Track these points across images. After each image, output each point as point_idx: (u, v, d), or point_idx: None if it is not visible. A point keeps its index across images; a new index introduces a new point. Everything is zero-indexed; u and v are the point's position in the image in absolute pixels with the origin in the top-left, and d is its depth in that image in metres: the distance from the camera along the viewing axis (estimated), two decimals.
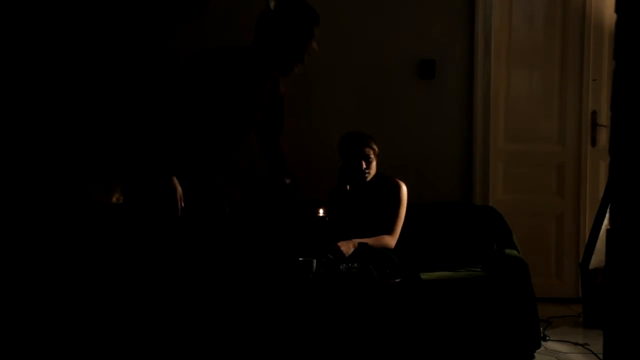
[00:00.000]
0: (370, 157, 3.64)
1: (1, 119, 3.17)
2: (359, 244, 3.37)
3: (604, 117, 4.57)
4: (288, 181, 3.29)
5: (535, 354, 3.56)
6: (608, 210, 3.97)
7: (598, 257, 4.10)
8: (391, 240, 3.60)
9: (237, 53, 2.98)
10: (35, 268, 3.11)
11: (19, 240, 3.12)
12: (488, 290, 3.51)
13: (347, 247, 3.43)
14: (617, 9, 2.41)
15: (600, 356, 3.36)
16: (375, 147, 3.65)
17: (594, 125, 4.61)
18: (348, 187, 3.68)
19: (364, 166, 3.62)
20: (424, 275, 3.48)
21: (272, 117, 3.22)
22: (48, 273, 3.12)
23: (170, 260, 3.32)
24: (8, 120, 3.17)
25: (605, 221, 4.06)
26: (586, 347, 3.76)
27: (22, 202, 3.15)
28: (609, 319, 2.64)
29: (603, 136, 4.59)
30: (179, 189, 2.90)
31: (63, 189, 3.20)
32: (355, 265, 3.17)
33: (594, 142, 4.62)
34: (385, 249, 3.53)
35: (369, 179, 3.66)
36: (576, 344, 3.82)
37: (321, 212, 3.36)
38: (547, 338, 3.87)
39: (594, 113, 4.60)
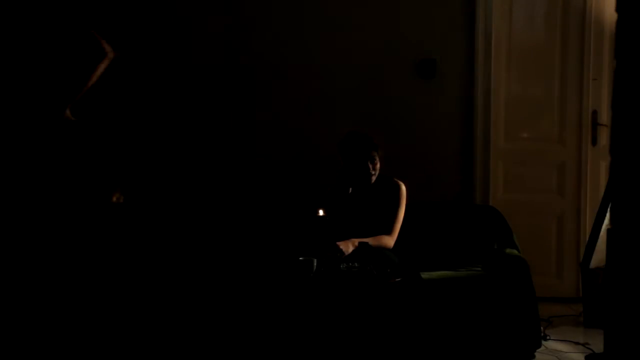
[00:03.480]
0: (376, 159, 3.64)
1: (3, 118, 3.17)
2: (360, 243, 3.37)
3: (605, 117, 4.56)
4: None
5: (536, 353, 3.56)
6: (609, 209, 3.97)
7: (598, 256, 4.09)
8: (390, 241, 3.60)
9: None
10: (37, 268, 3.11)
11: (21, 239, 3.12)
12: (488, 290, 3.51)
13: (347, 246, 3.43)
14: (618, 8, 2.41)
15: None
16: (379, 148, 3.66)
17: (595, 124, 4.60)
18: (350, 190, 3.68)
19: (371, 168, 3.62)
20: (424, 275, 3.48)
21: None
22: (49, 272, 3.12)
23: (170, 259, 3.32)
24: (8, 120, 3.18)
25: (606, 221, 4.06)
26: (587, 346, 3.76)
27: (24, 202, 3.15)
28: (610, 318, 2.64)
29: (603, 136, 4.59)
30: None
31: (65, 189, 3.20)
32: (356, 264, 3.17)
33: (594, 142, 4.61)
34: (384, 249, 3.53)
35: (373, 180, 3.66)
36: (577, 343, 3.82)
37: (321, 212, 3.36)
38: (548, 337, 3.87)
39: (594, 112, 4.60)
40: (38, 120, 3.18)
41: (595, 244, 4.15)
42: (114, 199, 3.66)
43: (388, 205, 3.66)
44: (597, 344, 3.65)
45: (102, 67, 3.38)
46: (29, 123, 3.17)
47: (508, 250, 3.86)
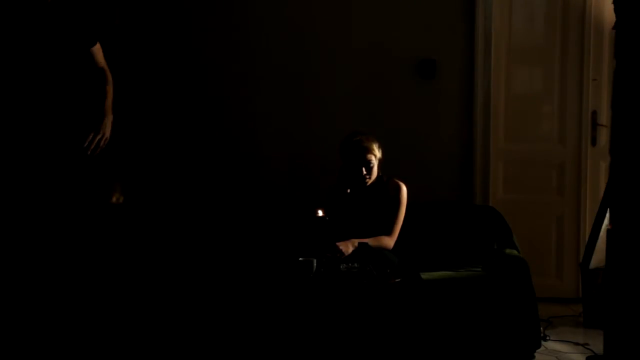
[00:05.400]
0: (371, 163, 3.62)
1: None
2: (359, 243, 3.37)
3: (604, 117, 4.56)
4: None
5: (536, 354, 3.56)
6: (608, 210, 3.97)
7: (598, 256, 4.09)
8: (390, 241, 3.60)
9: None
10: (36, 268, 3.11)
11: (20, 240, 3.12)
12: (488, 290, 3.51)
13: (347, 247, 3.43)
14: (616, 9, 2.41)
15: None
16: (377, 152, 3.63)
17: (594, 125, 4.60)
18: (348, 190, 3.68)
19: (365, 172, 3.61)
20: (424, 275, 3.48)
21: None
22: (49, 273, 3.12)
23: (170, 260, 3.32)
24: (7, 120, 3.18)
25: (606, 221, 4.05)
26: (586, 347, 3.76)
27: (23, 202, 3.15)
28: (609, 318, 2.65)
29: (603, 136, 4.59)
30: None
31: (64, 188, 3.20)
32: (355, 265, 3.17)
33: (594, 142, 4.61)
34: (383, 249, 3.53)
35: (369, 184, 3.65)
36: (576, 343, 3.82)
37: (320, 212, 3.36)
38: (548, 338, 3.87)
39: (594, 113, 4.60)
40: (39, 121, 3.17)
41: (595, 244, 4.15)
42: (114, 199, 3.66)
43: (388, 205, 3.65)
44: (597, 345, 3.65)
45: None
46: (29, 124, 3.17)
47: (508, 251, 3.86)
